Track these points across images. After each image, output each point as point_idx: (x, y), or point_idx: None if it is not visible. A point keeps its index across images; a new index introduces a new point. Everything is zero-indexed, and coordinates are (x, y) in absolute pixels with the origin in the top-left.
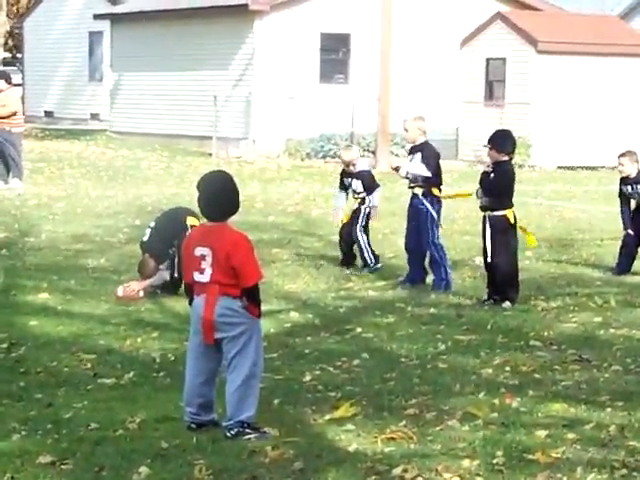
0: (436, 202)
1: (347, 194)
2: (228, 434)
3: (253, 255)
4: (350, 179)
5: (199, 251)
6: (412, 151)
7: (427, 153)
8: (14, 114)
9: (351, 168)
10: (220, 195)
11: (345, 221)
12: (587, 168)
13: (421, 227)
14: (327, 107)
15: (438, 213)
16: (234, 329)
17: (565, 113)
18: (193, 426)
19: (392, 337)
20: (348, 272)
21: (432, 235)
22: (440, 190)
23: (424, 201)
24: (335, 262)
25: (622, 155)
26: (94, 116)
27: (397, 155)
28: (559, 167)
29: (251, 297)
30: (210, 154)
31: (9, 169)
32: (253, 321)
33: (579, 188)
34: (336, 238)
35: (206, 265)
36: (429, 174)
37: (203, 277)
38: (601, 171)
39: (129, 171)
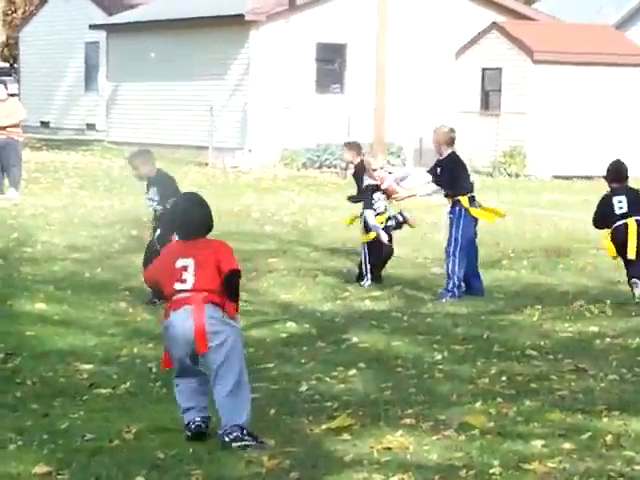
0: (465, 214)
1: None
2: (226, 439)
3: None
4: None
5: (180, 262)
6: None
7: (440, 163)
8: (19, 123)
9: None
10: (195, 216)
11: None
12: (583, 177)
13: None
14: (323, 117)
15: (466, 225)
16: (219, 337)
17: (561, 123)
18: (204, 427)
19: (388, 347)
20: (344, 282)
21: (454, 246)
22: (469, 200)
23: (450, 210)
24: (331, 272)
25: None
26: (90, 126)
27: (393, 165)
28: (555, 177)
29: (234, 285)
30: (206, 164)
31: (8, 178)
32: (235, 329)
33: (575, 198)
34: (333, 247)
35: (188, 275)
36: (432, 186)
37: (185, 285)
38: (597, 181)
39: (125, 181)
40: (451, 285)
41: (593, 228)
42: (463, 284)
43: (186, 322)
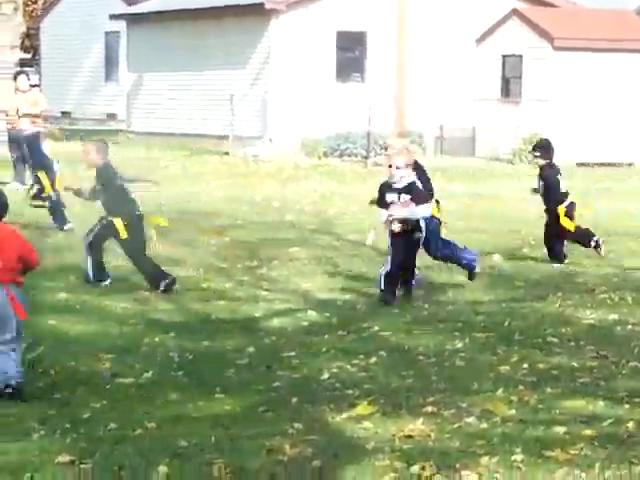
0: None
1: None
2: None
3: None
4: None
5: None
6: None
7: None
8: (41, 113)
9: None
10: None
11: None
12: (604, 165)
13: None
14: (343, 105)
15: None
16: None
17: (582, 110)
18: None
19: (409, 335)
20: (364, 270)
21: (435, 247)
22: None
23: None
24: (353, 259)
25: None
26: (111, 116)
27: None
28: (576, 164)
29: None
30: (227, 153)
31: (29, 169)
32: None
33: (596, 185)
34: (352, 236)
35: None
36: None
37: None
38: (618, 168)
39: (146, 171)
40: (466, 261)
41: (615, 215)
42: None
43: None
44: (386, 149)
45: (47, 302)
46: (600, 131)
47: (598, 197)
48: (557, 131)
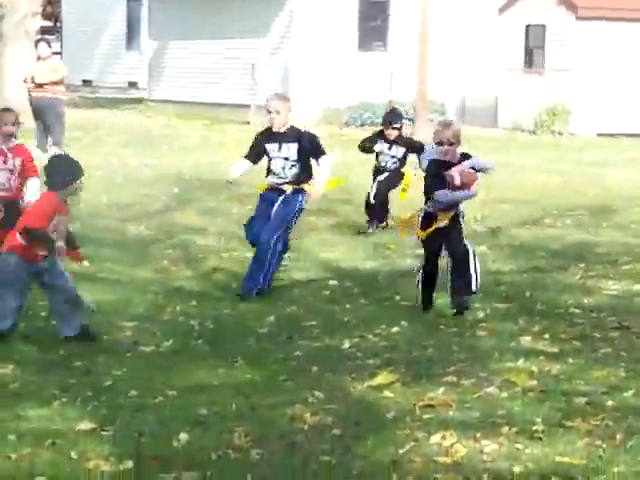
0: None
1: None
2: None
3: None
4: None
5: None
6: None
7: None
8: (62, 80)
9: None
10: None
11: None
12: (627, 135)
13: None
14: (365, 75)
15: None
16: None
17: (605, 80)
18: None
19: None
20: (386, 239)
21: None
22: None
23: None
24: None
25: None
26: (132, 85)
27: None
28: (599, 134)
29: None
30: (248, 122)
31: (50, 137)
32: None
33: (620, 155)
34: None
35: None
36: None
37: None
38: None
39: (167, 139)
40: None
41: (639, 186)
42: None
43: None
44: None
45: (68, 270)
46: (624, 101)
47: (623, 167)
48: (580, 101)
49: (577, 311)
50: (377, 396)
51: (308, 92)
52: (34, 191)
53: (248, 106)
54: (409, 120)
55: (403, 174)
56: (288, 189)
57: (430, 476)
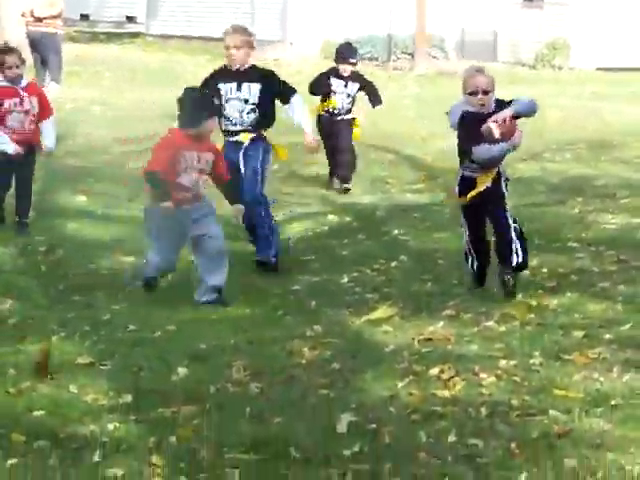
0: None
1: None
2: None
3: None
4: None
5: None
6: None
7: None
8: (60, 14)
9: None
10: None
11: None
12: (627, 69)
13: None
14: (365, 8)
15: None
16: None
17: (605, 14)
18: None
19: (430, 239)
20: (385, 174)
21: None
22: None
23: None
24: (373, 164)
25: None
26: (131, 19)
27: (435, 57)
28: (598, 68)
29: None
30: None
31: (48, 71)
32: None
33: (620, 89)
34: (372, 141)
35: None
36: None
37: None
38: None
39: (167, 74)
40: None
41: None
42: None
43: None
44: None
45: (67, 206)
46: (623, 35)
47: (623, 101)
48: (579, 35)
49: (575, 245)
50: (376, 330)
51: (307, 26)
52: (51, 134)
53: None
54: (408, 54)
55: (354, 119)
56: (245, 139)
57: (428, 409)
